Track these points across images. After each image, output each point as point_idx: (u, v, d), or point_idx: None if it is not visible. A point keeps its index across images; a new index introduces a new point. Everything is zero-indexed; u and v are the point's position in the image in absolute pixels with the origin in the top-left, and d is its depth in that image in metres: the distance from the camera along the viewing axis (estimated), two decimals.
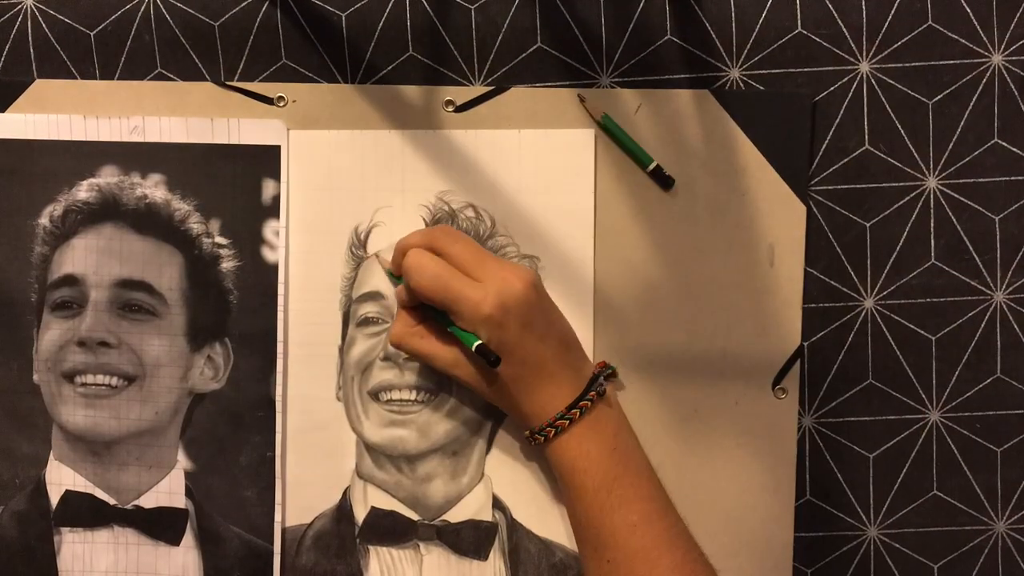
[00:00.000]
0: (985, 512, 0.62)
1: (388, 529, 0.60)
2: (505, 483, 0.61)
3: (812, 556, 0.62)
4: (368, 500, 0.60)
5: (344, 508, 0.61)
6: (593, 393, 0.55)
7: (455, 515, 0.60)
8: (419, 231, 0.58)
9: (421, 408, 0.60)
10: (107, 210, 0.60)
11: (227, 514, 0.60)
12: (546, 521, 0.60)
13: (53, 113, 0.60)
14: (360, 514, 0.61)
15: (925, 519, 0.62)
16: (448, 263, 0.55)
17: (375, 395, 0.60)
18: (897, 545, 0.62)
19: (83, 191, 0.60)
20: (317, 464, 0.61)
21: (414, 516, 0.60)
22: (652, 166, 0.60)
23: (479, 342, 0.53)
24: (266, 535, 0.60)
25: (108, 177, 0.60)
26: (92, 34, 0.61)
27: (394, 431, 0.60)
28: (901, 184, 0.61)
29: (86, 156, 0.60)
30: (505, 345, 0.53)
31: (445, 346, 0.56)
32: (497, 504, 0.61)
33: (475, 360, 0.55)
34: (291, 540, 0.61)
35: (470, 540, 0.60)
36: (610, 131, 0.60)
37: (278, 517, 0.60)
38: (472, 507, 0.60)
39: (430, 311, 0.56)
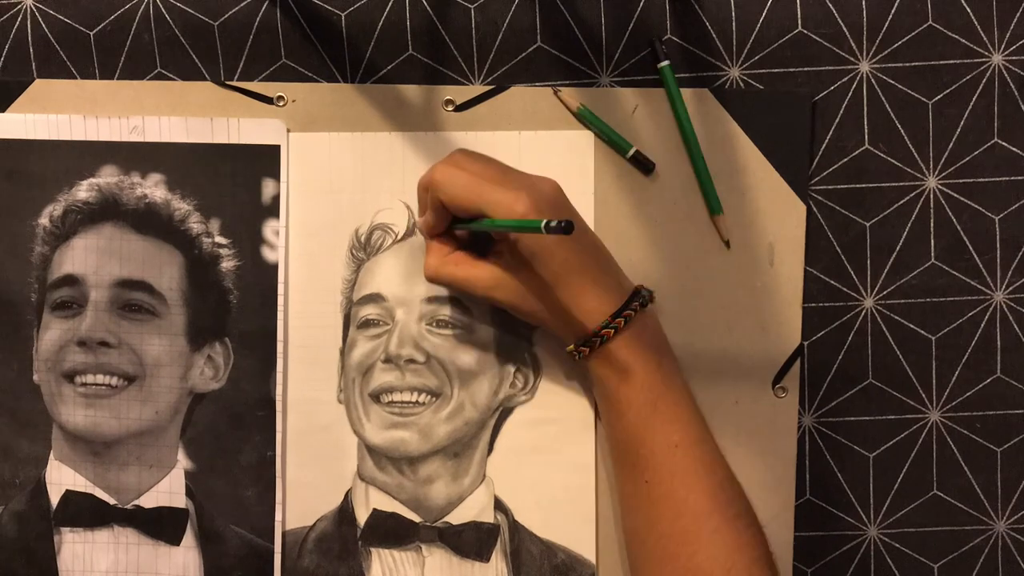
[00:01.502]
0: (985, 512, 0.62)
1: (390, 531, 0.60)
2: (507, 485, 0.60)
3: (812, 556, 0.62)
4: (370, 502, 0.60)
5: (346, 510, 0.61)
6: (636, 304, 0.55)
7: (457, 517, 0.60)
8: (442, 159, 0.56)
9: (422, 410, 0.60)
10: (107, 210, 0.60)
11: (227, 514, 0.60)
12: (548, 522, 0.60)
13: (53, 113, 0.60)
14: (362, 516, 0.60)
15: (925, 519, 0.62)
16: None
17: (376, 397, 0.60)
18: (897, 545, 0.62)
19: (83, 191, 0.60)
20: (318, 466, 0.61)
21: (416, 518, 0.60)
22: (631, 152, 0.59)
23: (546, 220, 0.49)
24: (266, 535, 0.60)
25: (108, 177, 0.60)
26: (92, 34, 0.61)
27: (395, 433, 0.60)
28: (901, 184, 0.61)
29: (86, 156, 0.60)
30: (543, 246, 0.53)
31: (483, 268, 0.55)
32: (499, 506, 0.61)
33: (519, 261, 0.54)
34: (292, 542, 0.61)
35: (472, 542, 0.60)
36: (588, 121, 0.60)
37: (279, 517, 0.60)
38: (474, 509, 0.60)
39: (459, 224, 0.55)
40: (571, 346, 0.56)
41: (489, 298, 0.56)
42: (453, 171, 0.54)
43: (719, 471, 0.55)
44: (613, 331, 0.54)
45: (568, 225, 0.46)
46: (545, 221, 0.46)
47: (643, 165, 0.60)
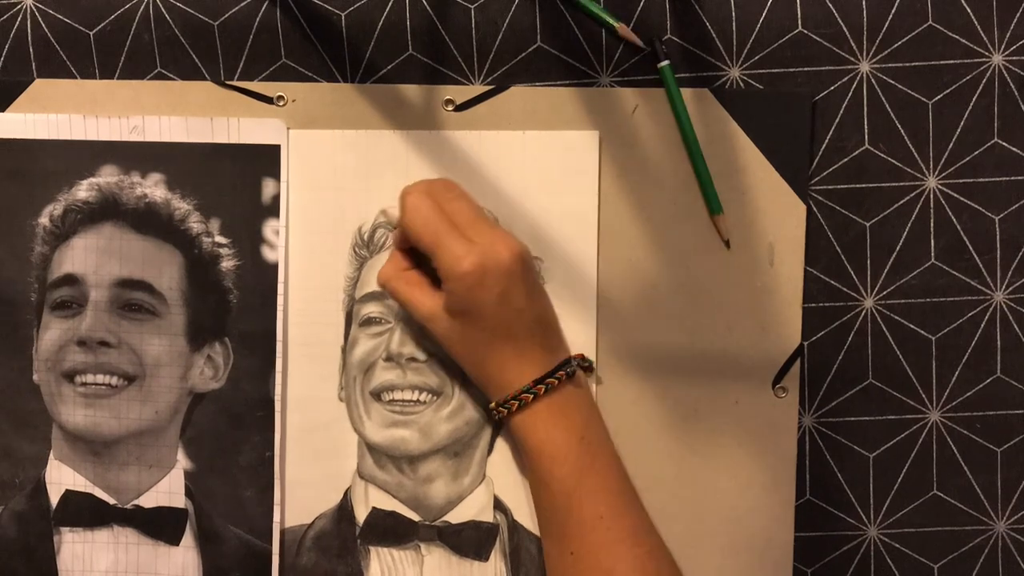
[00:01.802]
0: (985, 512, 0.62)
1: (389, 530, 0.60)
2: (507, 484, 0.60)
3: (812, 556, 0.62)
4: (369, 500, 0.60)
5: (345, 508, 0.61)
6: (562, 373, 0.55)
7: (456, 516, 0.60)
8: (424, 180, 0.57)
9: (423, 409, 0.60)
10: (107, 210, 0.60)
11: (227, 514, 0.60)
12: None
13: (53, 113, 0.60)
14: (361, 514, 0.60)
15: (925, 519, 0.62)
16: (445, 216, 0.55)
17: (377, 395, 0.60)
18: (897, 545, 0.62)
19: (83, 191, 0.60)
20: (318, 464, 0.61)
21: (415, 517, 0.60)
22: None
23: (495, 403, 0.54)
24: (265, 535, 0.60)
25: (108, 177, 0.60)
26: (92, 34, 0.61)
27: (396, 431, 0.60)
28: (901, 184, 0.61)
29: (86, 156, 0.60)
30: (477, 307, 0.53)
31: (427, 297, 0.56)
32: (498, 505, 0.60)
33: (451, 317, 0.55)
34: (291, 540, 0.60)
35: (471, 541, 0.60)
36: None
37: (277, 517, 0.60)
38: (473, 508, 0.60)
39: (424, 263, 0.56)
40: (492, 404, 0.56)
41: (425, 326, 0.56)
42: (422, 202, 0.54)
43: (646, 541, 0.54)
44: (532, 396, 0.54)
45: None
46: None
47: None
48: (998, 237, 0.61)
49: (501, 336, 0.54)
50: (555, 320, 0.57)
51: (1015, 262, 0.61)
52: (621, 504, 0.55)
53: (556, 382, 0.54)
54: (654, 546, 0.55)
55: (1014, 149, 0.61)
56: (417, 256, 0.57)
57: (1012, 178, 0.61)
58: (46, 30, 0.61)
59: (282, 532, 0.60)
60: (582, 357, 0.58)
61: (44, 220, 0.60)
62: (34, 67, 0.61)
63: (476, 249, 0.53)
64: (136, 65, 0.61)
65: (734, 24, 0.60)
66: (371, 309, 0.60)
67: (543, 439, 0.55)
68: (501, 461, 0.61)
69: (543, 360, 0.55)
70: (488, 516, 0.60)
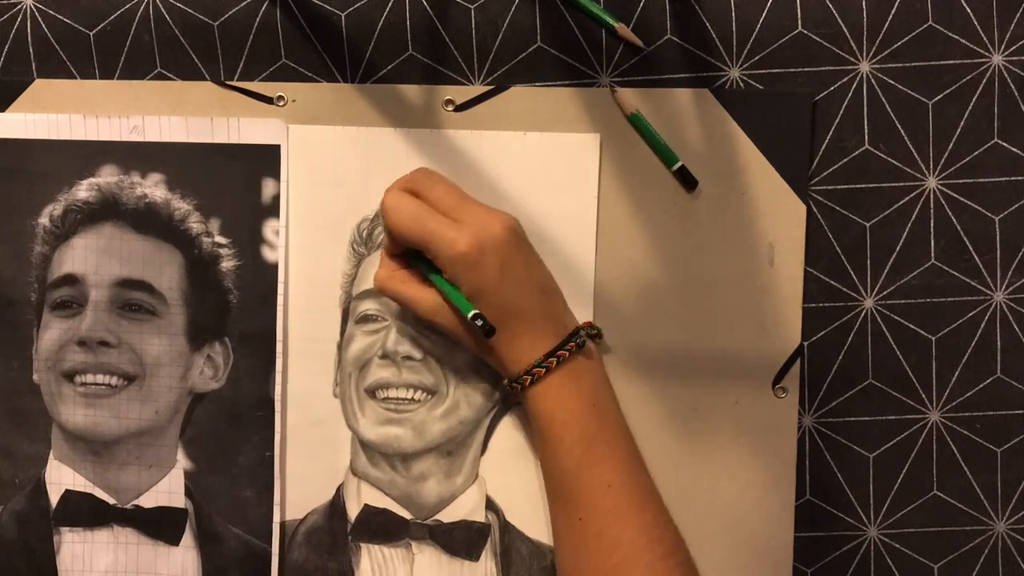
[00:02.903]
0: (985, 512, 0.62)
1: (380, 527, 0.60)
2: (499, 484, 0.60)
3: (812, 556, 0.62)
4: (361, 497, 0.60)
5: (337, 505, 0.61)
6: (572, 344, 0.55)
7: (448, 515, 0.60)
8: (401, 177, 0.57)
9: (417, 407, 0.60)
10: (107, 210, 0.60)
11: (226, 514, 0.60)
12: (539, 523, 0.60)
13: (53, 113, 0.60)
14: (353, 511, 0.60)
15: (925, 519, 0.62)
16: (428, 206, 0.55)
17: (372, 392, 0.60)
18: (897, 545, 0.62)
19: (83, 191, 0.60)
20: (311, 460, 0.61)
21: (407, 515, 0.60)
22: (677, 166, 0.60)
23: (475, 311, 0.53)
24: (265, 535, 0.60)
25: (108, 177, 0.60)
26: (92, 34, 0.61)
27: (390, 429, 0.60)
28: (901, 184, 0.61)
29: (86, 156, 0.60)
30: (482, 288, 0.53)
31: (428, 292, 0.56)
32: (490, 505, 0.60)
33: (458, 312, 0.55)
34: (282, 535, 0.60)
35: (462, 540, 0.60)
36: (640, 128, 0.60)
37: (277, 518, 0.60)
38: (465, 507, 0.60)
39: (417, 260, 0.56)
40: (506, 380, 0.56)
41: (431, 322, 0.56)
42: (402, 199, 0.55)
43: (651, 507, 0.55)
44: (544, 370, 0.54)
45: (489, 332, 0.52)
46: (473, 312, 0.52)
47: (687, 181, 0.60)
48: (998, 237, 0.61)
49: (509, 313, 0.54)
50: (557, 288, 0.57)
51: (1015, 262, 0.61)
52: (629, 471, 0.55)
53: (567, 354, 0.55)
54: (657, 513, 0.55)
55: (1014, 149, 0.61)
56: (406, 258, 0.57)
57: (1012, 178, 0.61)
58: (46, 30, 0.61)
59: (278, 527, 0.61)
60: (590, 325, 0.58)
61: (44, 220, 0.60)
62: (34, 67, 0.61)
63: (468, 229, 0.53)
64: (136, 65, 0.61)
65: (734, 24, 0.60)
66: (368, 306, 0.60)
67: (554, 406, 0.55)
68: (494, 461, 0.61)
69: (553, 330, 0.55)
70: (480, 516, 0.60)
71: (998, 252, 0.61)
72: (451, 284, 0.54)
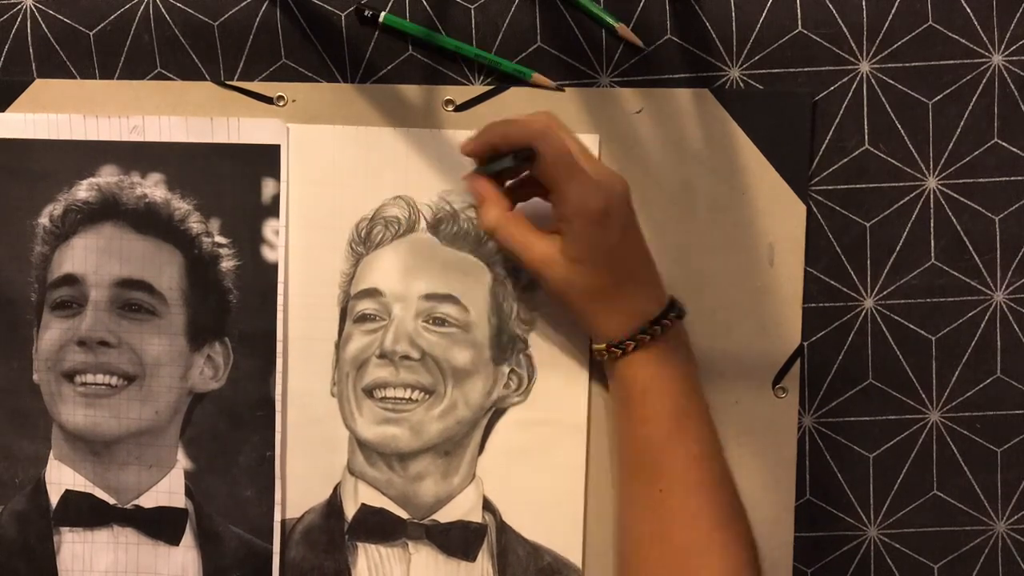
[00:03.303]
0: (985, 512, 0.62)
1: (377, 527, 0.60)
2: (496, 485, 0.60)
3: (812, 556, 0.62)
4: (358, 497, 0.60)
5: (334, 504, 0.61)
6: (672, 316, 0.55)
7: (445, 515, 0.60)
8: (530, 117, 0.54)
9: (415, 407, 0.60)
10: (107, 210, 0.60)
11: (226, 514, 0.60)
12: (536, 524, 0.60)
13: (53, 113, 0.60)
14: (350, 510, 0.60)
15: (925, 519, 0.62)
16: None
17: (369, 392, 0.60)
18: (897, 545, 0.62)
19: (83, 191, 0.60)
20: (309, 459, 0.61)
21: (404, 515, 0.60)
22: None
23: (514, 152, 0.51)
24: (265, 535, 0.60)
25: (108, 176, 0.60)
26: (92, 34, 0.61)
27: (387, 429, 0.60)
28: (901, 184, 0.61)
29: (86, 156, 0.60)
30: (599, 247, 0.52)
31: (543, 242, 0.54)
32: (487, 506, 0.60)
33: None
34: (281, 534, 0.60)
35: (459, 541, 0.60)
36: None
37: (277, 517, 0.60)
38: (462, 508, 0.60)
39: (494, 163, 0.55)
40: (601, 345, 0.55)
41: (535, 271, 0.55)
42: (560, 129, 0.53)
43: (730, 487, 0.56)
44: (648, 337, 0.54)
45: (530, 155, 0.51)
46: (514, 153, 0.51)
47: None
48: (998, 237, 0.61)
49: (620, 275, 0.53)
50: (651, 258, 0.56)
51: (1015, 262, 0.61)
52: (712, 447, 0.55)
53: (669, 323, 0.54)
54: (734, 494, 0.56)
55: (1014, 149, 0.61)
56: (508, 196, 0.55)
57: (1012, 178, 0.61)
58: (46, 30, 0.61)
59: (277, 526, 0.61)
60: (676, 300, 0.57)
61: (44, 220, 0.60)
62: (34, 67, 0.61)
63: (603, 185, 0.52)
64: (136, 65, 0.61)
65: (734, 24, 0.60)
66: (366, 306, 0.60)
67: (651, 375, 0.54)
68: (491, 461, 0.60)
69: (655, 298, 0.55)
70: (477, 516, 0.60)
71: (998, 252, 0.61)
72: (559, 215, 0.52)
